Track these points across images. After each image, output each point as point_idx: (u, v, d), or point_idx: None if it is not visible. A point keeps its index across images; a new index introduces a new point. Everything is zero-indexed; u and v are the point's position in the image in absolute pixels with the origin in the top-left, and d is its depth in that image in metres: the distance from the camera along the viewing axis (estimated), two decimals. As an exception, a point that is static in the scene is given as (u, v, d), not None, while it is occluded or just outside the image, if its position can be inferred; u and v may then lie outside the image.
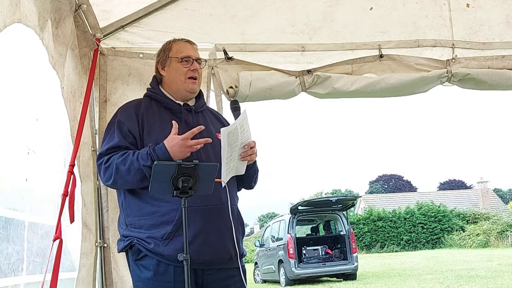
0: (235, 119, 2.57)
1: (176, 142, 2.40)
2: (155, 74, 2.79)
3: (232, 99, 3.44)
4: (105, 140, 2.59)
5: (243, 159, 2.55)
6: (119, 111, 2.69)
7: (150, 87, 2.77)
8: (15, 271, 2.25)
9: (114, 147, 2.52)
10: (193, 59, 2.66)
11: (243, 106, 2.68)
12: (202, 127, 2.47)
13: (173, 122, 2.46)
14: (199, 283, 2.49)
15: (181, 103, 2.68)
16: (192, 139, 2.44)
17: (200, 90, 2.80)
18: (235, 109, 2.63)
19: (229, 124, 2.70)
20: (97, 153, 2.59)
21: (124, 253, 2.66)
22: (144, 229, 2.48)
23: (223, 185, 2.48)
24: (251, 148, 2.54)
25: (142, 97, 2.78)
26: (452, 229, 33.88)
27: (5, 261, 2.17)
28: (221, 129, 2.42)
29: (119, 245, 2.62)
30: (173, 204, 2.40)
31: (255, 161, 2.68)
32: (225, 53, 3.61)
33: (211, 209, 2.47)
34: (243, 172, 2.60)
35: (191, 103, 2.71)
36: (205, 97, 3.19)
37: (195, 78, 2.66)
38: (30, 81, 2.47)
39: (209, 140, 2.48)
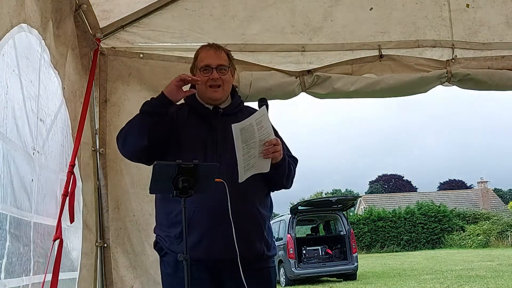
0: None
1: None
2: None
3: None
4: None
5: (265, 156, 2.52)
6: (144, 103, 2.74)
7: None
8: (25, 271, 2.26)
9: None
10: (212, 68, 2.65)
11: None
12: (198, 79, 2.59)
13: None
14: (217, 281, 2.53)
15: (211, 107, 2.70)
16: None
17: (236, 93, 2.80)
18: (261, 106, 2.60)
19: None
20: None
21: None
22: (164, 228, 2.59)
23: (240, 181, 2.47)
24: (273, 146, 2.52)
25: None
26: (452, 229, 33.84)
27: (18, 261, 2.19)
28: (232, 125, 2.41)
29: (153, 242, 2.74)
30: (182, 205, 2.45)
31: (285, 160, 2.65)
32: (225, 53, 3.62)
33: (219, 209, 2.46)
34: (267, 170, 2.57)
35: (223, 105, 2.72)
36: None
37: (216, 86, 2.66)
38: (34, 82, 2.48)
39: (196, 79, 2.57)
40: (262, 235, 2.63)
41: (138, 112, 3.55)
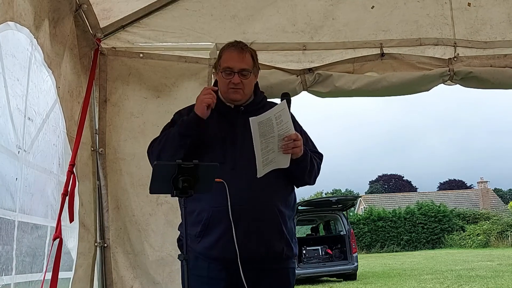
0: None
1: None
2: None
3: None
4: None
5: (285, 152, 2.48)
6: (175, 113, 2.75)
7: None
8: (5, 270, 2.23)
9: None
10: (234, 72, 2.60)
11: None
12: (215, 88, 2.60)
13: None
14: (233, 281, 2.49)
15: (232, 105, 2.66)
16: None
17: (259, 90, 2.75)
18: (283, 101, 2.55)
19: None
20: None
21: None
22: (187, 226, 2.53)
23: (258, 176, 2.44)
24: (293, 141, 2.48)
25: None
26: (452, 229, 33.87)
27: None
28: (249, 118, 2.38)
29: None
30: (204, 204, 2.46)
31: (307, 155, 2.60)
32: (226, 52, 3.59)
33: (237, 209, 2.43)
34: (286, 166, 2.52)
35: (245, 103, 2.68)
36: None
37: (237, 88, 2.62)
38: (22, 80, 2.45)
39: (215, 88, 2.55)
40: (282, 234, 2.57)
41: (139, 110, 3.60)
